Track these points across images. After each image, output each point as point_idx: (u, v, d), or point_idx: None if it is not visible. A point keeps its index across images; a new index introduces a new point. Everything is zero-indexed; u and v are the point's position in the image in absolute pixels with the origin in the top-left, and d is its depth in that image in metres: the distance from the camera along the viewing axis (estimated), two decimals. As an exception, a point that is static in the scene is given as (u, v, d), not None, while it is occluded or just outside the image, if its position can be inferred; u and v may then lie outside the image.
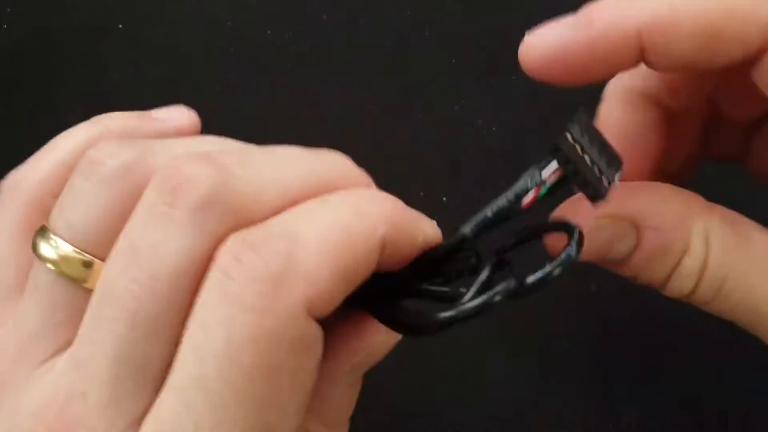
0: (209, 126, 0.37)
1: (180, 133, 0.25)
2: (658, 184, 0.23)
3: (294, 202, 0.19)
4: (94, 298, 0.19)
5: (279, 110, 0.36)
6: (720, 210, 0.22)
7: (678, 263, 0.21)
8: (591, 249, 0.22)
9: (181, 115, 0.26)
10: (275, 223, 0.19)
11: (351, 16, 0.37)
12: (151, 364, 0.19)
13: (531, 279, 0.18)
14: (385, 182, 0.35)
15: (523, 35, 0.24)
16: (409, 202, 0.24)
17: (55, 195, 0.22)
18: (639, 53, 0.20)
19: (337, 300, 0.19)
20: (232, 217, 0.19)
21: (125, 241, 0.19)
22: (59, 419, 0.19)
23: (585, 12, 0.20)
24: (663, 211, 0.22)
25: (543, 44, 0.20)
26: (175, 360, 0.19)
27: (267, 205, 0.19)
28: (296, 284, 0.18)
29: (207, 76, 0.37)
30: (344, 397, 0.22)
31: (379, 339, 0.21)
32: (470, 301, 0.18)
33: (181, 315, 0.19)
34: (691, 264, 0.21)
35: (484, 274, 0.19)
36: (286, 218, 0.19)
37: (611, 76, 0.23)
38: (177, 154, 0.20)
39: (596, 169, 0.18)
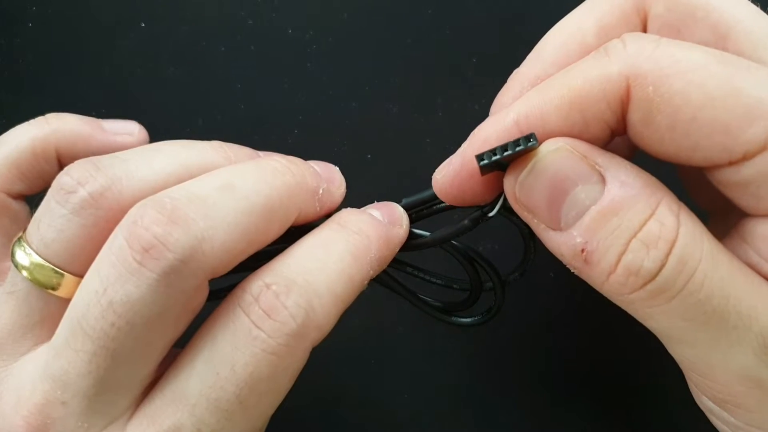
0: (229, 124, 0.37)
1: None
2: None
3: (255, 242, 0.22)
4: (69, 325, 0.21)
5: (298, 109, 0.36)
6: None
7: (640, 227, 0.18)
8: (549, 177, 0.20)
9: (130, 132, 0.27)
10: (292, 271, 0.22)
11: (371, 14, 0.37)
12: (133, 381, 0.21)
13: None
14: (404, 181, 0.35)
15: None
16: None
17: (2, 189, 0.25)
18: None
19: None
20: (202, 274, 0.21)
21: (99, 282, 0.20)
22: (38, 417, 0.21)
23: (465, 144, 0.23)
24: (635, 173, 0.19)
25: (439, 177, 0.23)
26: (177, 375, 0.21)
27: (231, 254, 0.21)
28: (311, 333, 0.21)
29: (227, 74, 0.37)
30: None
31: None
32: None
33: (164, 340, 0.21)
34: (657, 229, 0.18)
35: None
36: (299, 264, 0.22)
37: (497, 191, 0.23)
38: (143, 189, 0.22)
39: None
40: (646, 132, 0.19)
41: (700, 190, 0.25)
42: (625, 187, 0.19)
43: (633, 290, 0.19)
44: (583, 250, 0.19)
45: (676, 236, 0.18)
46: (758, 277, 0.19)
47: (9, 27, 0.37)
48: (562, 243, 0.20)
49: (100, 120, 0.26)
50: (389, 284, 0.28)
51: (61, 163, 0.25)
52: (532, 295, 0.34)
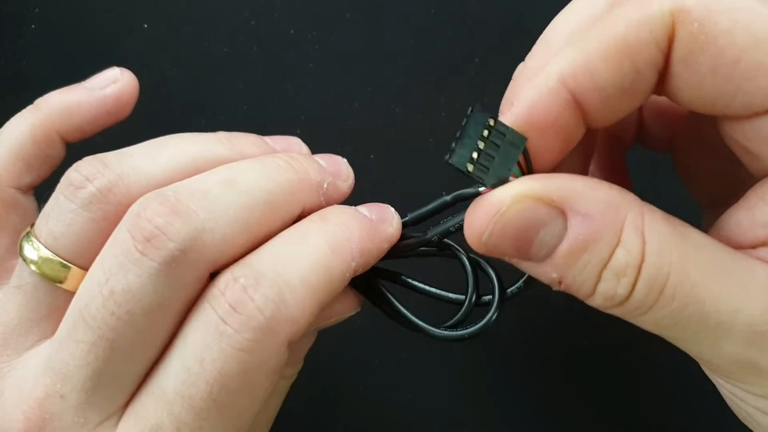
0: (231, 125, 0.37)
1: (120, 101, 0.26)
2: (590, 177, 0.20)
3: (258, 237, 0.22)
4: (72, 317, 0.21)
5: (301, 109, 0.36)
6: (654, 207, 0.20)
7: (609, 257, 0.19)
8: (511, 234, 0.20)
9: (114, 80, 0.26)
10: (263, 264, 0.21)
11: (374, 14, 0.37)
12: (128, 376, 0.21)
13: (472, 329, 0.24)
14: (407, 180, 0.35)
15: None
16: (431, 200, 0.25)
17: (8, 184, 0.24)
18: (578, 113, 0.20)
19: (310, 325, 0.22)
20: (203, 265, 0.21)
21: (102, 273, 0.21)
22: (37, 411, 0.21)
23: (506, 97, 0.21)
24: (593, 197, 0.19)
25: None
26: (159, 372, 0.21)
27: (233, 248, 0.21)
28: (283, 327, 0.20)
29: (230, 74, 0.37)
30: (306, 345, 0.26)
31: (340, 309, 0.25)
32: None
33: (162, 334, 0.21)
34: (624, 258, 0.19)
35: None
36: (272, 256, 0.21)
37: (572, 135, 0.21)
38: (150, 183, 0.22)
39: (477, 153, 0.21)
40: (685, 74, 0.18)
41: (697, 182, 0.25)
42: (587, 221, 0.19)
43: (610, 308, 0.20)
44: (560, 282, 0.20)
45: (642, 259, 0.19)
46: (746, 261, 0.19)
47: (11, 28, 0.38)
48: (538, 273, 0.20)
49: (81, 83, 0.26)
50: (375, 301, 0.26)
51: (65, 141, 0.26)
52: (535, 293, 0.34)
